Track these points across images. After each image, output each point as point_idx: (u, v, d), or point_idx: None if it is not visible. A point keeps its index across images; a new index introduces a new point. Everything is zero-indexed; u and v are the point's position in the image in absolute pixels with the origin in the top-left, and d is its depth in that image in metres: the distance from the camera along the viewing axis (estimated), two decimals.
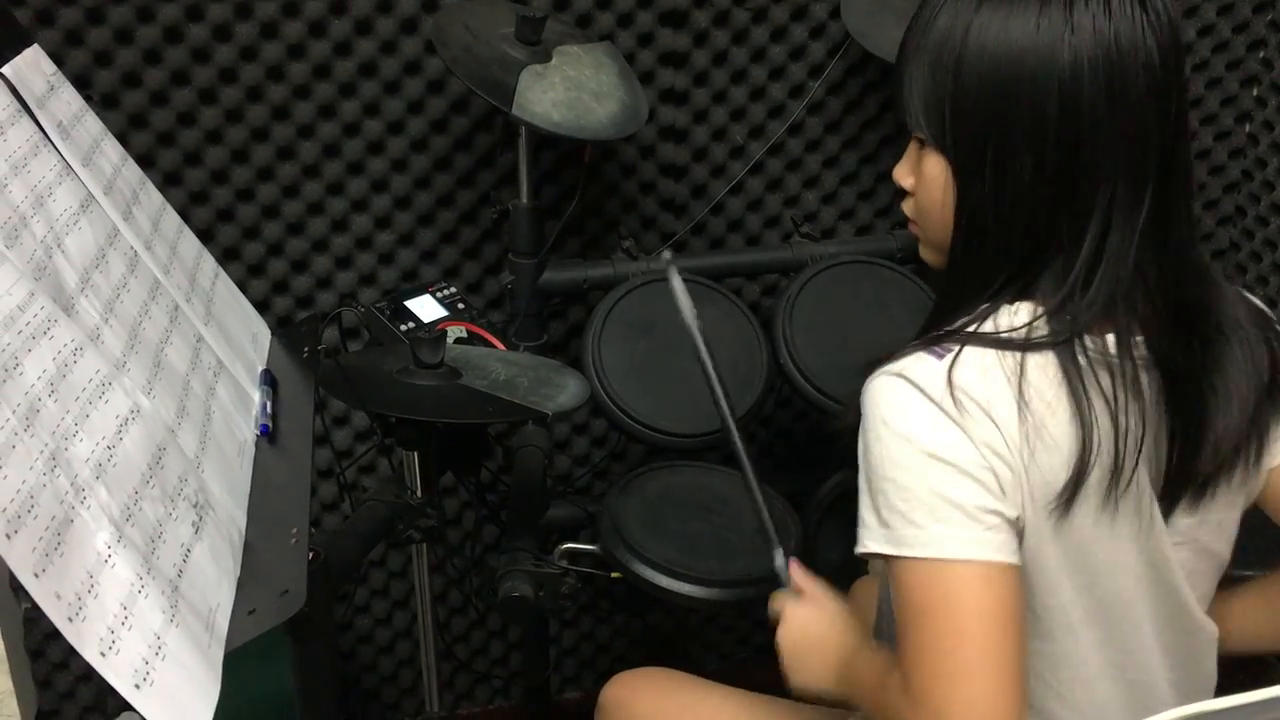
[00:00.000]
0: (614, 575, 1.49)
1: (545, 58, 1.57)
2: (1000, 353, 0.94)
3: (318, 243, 1.80)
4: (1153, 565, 1.01)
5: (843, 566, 1.74)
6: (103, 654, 0.70)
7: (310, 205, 1.78)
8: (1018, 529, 0.94)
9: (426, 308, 1.58)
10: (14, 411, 0.73)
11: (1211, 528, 1.04)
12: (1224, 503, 1.03)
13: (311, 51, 1.68)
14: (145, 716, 0.70)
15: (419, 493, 1.40)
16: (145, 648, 0.73)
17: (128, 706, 1.99)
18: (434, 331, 1.49)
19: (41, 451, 0.73)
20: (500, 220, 1.76)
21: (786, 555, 1.20)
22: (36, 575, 0.68)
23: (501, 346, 1.57)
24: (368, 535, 1.35)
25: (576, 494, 1.96)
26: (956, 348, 0.94)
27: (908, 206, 1.07)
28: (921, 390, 0.93)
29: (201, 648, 0.78)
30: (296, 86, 1.70)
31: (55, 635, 1.91)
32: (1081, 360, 0.94)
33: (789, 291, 1.71)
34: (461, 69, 1.49)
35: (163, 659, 0.73)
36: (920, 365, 0.95)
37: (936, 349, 0.95)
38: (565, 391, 1.38)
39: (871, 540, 0.95)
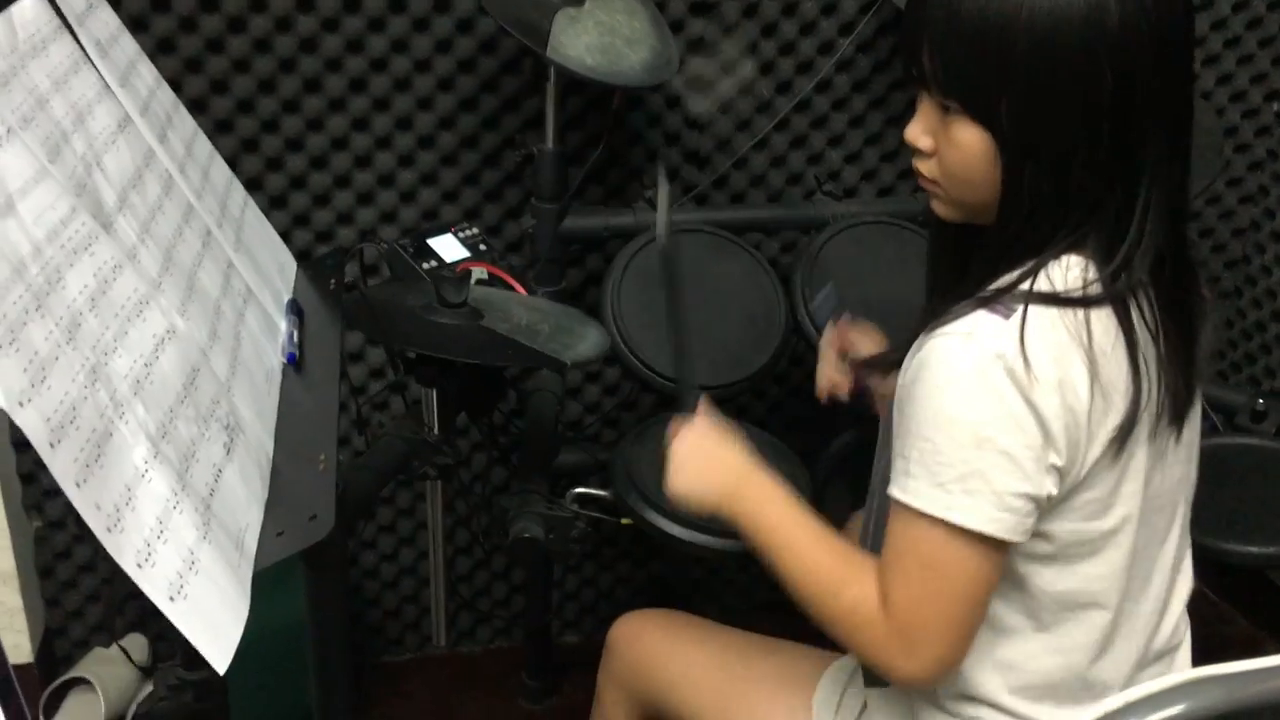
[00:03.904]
0: (624, 521, 1.50)
1: (579, 1, 1.56)
2: (1061, 310, 0.96)
3: (340, 178, 1.80)
4: (1182, 484, 1.09)
5: (848, 523, 1.76)
6: (139, 565, 0.71)
7: (335, 140, 1.78)
8: (1042, 503, 0.97)
9: (449, 247, 1.58)
10: (57, 324, 0.74)
11: (1189, 446, 1.09)
12: (1194, 419, 1.08)
13: None
14: (180, 628, 0.72)
15: (436, 430, 1.41)
16: (180, 562, 0.74)
17: (136, 627, 2.00)
18: (458, 271, 1.49)
19: (83, 365, 0.74)
20: (524, 164, 1.76)
21: (695, 399, 1.19)
22: (78, 485, 0.69)
23: (522, 290, 1.57)
24: (384, 469, 1.36)
25: (586, 440, 1.97)
26: (1020, 307, 0.95)
27: (926, 166, 1.05)
28: (995, 354, 0.93)
29: (232, 565, 0.79)
30: (325, 19, 1.69)
31: (65, 554, 1.93)
32: (1134, 312, 0.97)
33: (810, 249, 1.71)
34: (496, 9, 1.49)
35: (196, 574, 0.75)
36: (989, 326, 0.95)
37: (998, 307, 0.96)
38: (585, 341, 1.38)
39: (897, 488, 0.98)
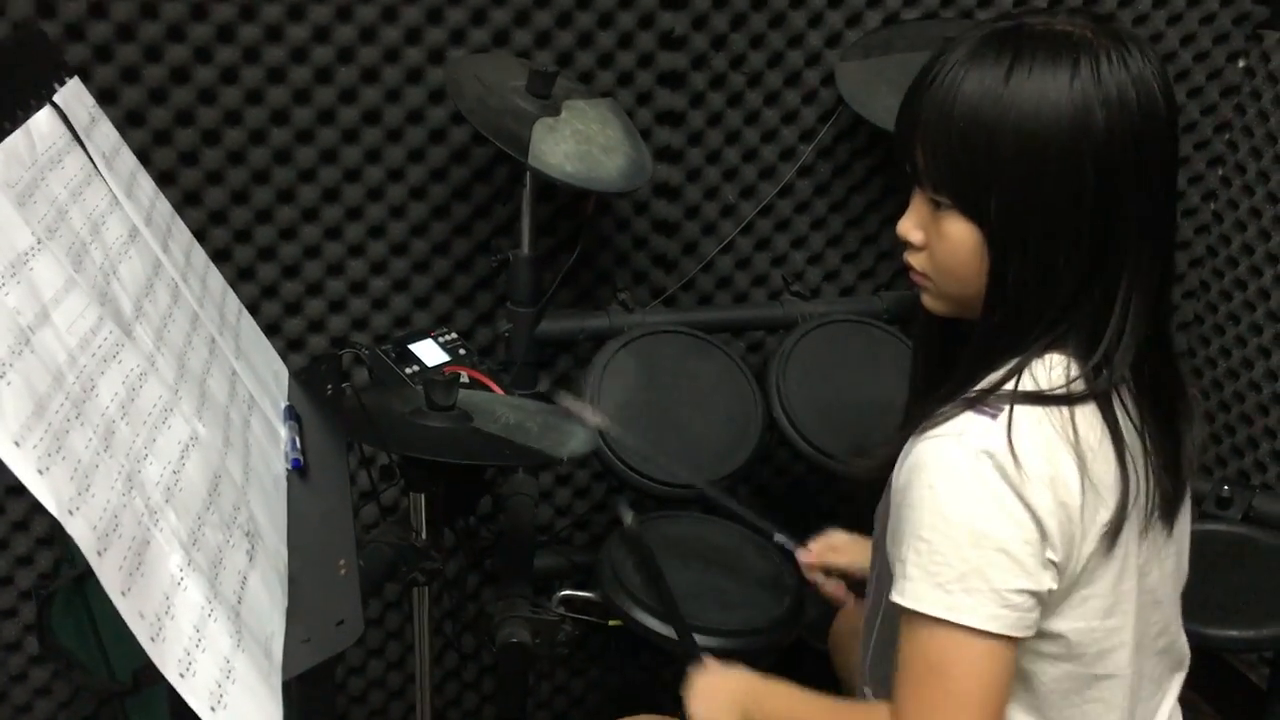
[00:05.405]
0: (612, 623, 1.50)
1: (555, 111, 1.61)
2: (1046, 408, 0.98)
3: (312, 286, 1.81)
4: (1174, 576, 1.11)
5: (823, 618, 1.77)
6: (181, 675, 0.70)
7: (307, 248, 1.79)
8: (1044, 598, 0.98)
9: (429, 352, 1.59)
10: (95, 432, 0.73)
11: (1180, 539, 1.11)
12: (1184, 514, 1.10)
13: (317, 97, 1.70)
14: None
15: (423, 535, 1.40)
16: (217, 671, 0.73)
17: None
18: (444, 375, 1.50)
19: (119, 472, 0.74)
20: (499, 269, 1.78)
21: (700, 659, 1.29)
22: (124, 594, 0.68)
23: (501, 393, 1.58)
24: (373, 575, 1.35)
25: (559, 543, 1.96)
26: (1005, 408, 0.97)
27: (917, 260, 1.07)
28: (985, 453, 0.95)
29: (264, 673, 0.78)
30: (300, 131, 1.72)
31: (14, 646, 1.86)
32: (1118, 408, 0.99)
33: (783, 347, 1.75)
34: (477, 119, 1.52)
35: (233, 683, 0.74)
36: (977, 427, 0.97)
37: (985, 409, 0.98)
38: (575, 437, 1.40)
39: (896, 592, 0.99)
